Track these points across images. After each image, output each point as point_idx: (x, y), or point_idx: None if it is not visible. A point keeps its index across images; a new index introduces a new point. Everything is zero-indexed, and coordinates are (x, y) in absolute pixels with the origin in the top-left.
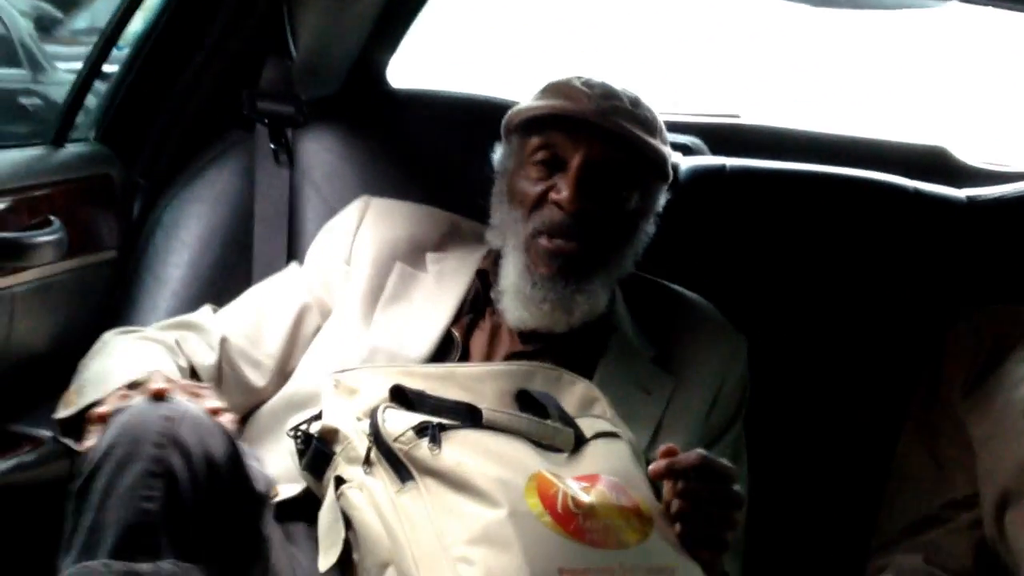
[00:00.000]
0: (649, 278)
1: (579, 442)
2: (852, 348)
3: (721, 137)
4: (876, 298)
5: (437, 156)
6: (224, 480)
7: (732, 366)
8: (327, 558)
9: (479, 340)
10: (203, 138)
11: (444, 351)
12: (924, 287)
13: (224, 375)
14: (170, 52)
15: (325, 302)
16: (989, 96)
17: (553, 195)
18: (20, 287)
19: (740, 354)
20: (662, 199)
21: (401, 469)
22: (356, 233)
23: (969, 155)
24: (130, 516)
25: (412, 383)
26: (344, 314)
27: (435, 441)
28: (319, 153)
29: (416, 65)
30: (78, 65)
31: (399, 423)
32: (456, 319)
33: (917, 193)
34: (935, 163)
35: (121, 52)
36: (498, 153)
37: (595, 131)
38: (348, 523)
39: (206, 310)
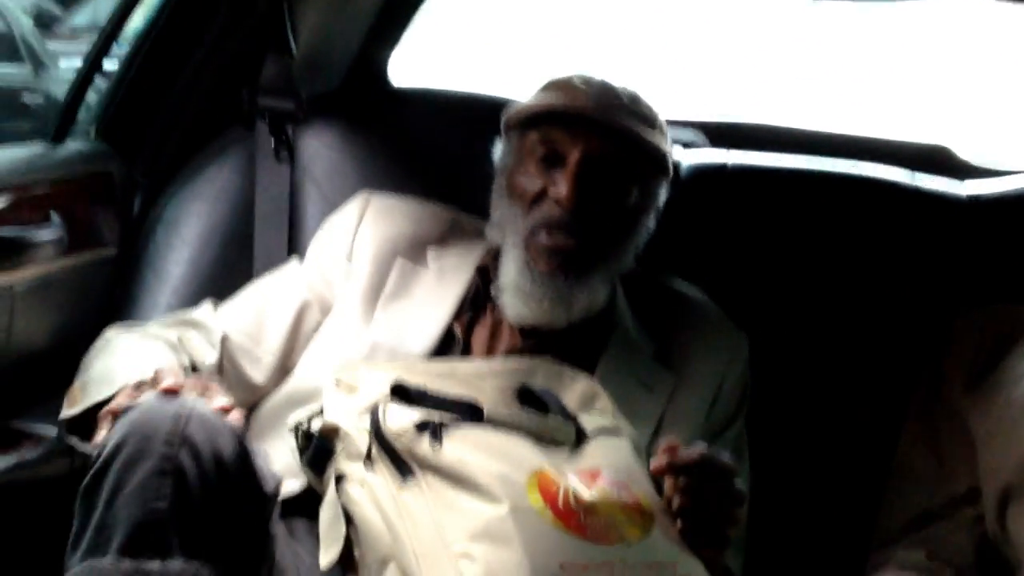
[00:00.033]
0: (650, 274)
1: (580, 438)
2: (854, 345)
3: (720, 135)
4: (878, 295)
5: (438, 153)
6: (233, 479)
7: (733, 363)
8: (328, 554)
9: (480, 336)
10: (203, 135)
11: (445, 347)
12: (925, 284)
13: (225, 372)
14: (170, 49)
15: (326, 298)
16: (992, 95)
17: (552, 191)
18: (20, 284)
19: (741, 351)
20: (663, 194)
21: (402, 465)
22: (357, 229)
23: (971, 154)
24: (139, 514)
25: (413, 379)
26: (345, 311)
27: (436, 437)
28: (320, 150)
29: (417, 63)
30: (79, 62)
31: (400, 419)
32: (457, 315)
33: (918, 191)
34: (937, 162)
35: (121, 49)
36: (498, 150)
37: (593, 127)
38: (349, 519)
39: (207, 307)
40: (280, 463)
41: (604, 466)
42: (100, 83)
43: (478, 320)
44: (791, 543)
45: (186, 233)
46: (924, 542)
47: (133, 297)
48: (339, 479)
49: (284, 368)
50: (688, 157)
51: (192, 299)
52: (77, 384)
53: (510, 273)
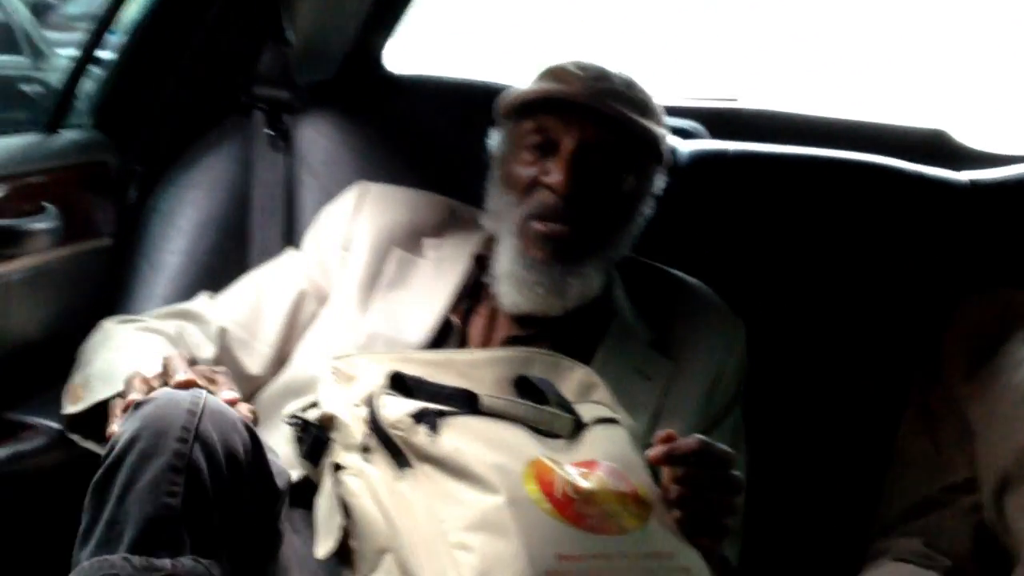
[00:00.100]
0: (648, 262)
1: (578, 428)
2: (853, 332)
3: (720, 121)
4: (878, 282)
5: (435, 141)
6: (245, 475)
7: (731, 351)
8: (325, 545)
9: (477, 326)
10: (199, 124)
11: (442, 337)
12: (926, 271)
13: (221, 364)
14: (166, 38)
15: (322, 288)
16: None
17: (546, 179)
18: (15, 274)
19: (739, 339)
20: (660, 182)
21: (399, 456)
22: (354, 219)
23: (969, 138)
24: (151, 510)
25: (410, 369)
26: (342, 300)
27: (433, 428)
28: (316, 139)
29: (413, 50)
30: (75, 51)
31: (397, 409)
32: (454, 305)
33: (919, 177)
34: (935, 146)
35: (117, 38)
36: (494, 138)
37: (587, 113)
38: (346, 510)
39: (203, 298)
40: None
41: (601, 456)
42: (96, 72)
43: (475, 309)
44: (789, 532)
45: (182, 223)
46: (922, 531)
47: (129, 287)
48: (335, 469)
49: (281, 359)
50: (687, 147)
51: (188, 289)
52: (78, 379)
53: (505, 261)
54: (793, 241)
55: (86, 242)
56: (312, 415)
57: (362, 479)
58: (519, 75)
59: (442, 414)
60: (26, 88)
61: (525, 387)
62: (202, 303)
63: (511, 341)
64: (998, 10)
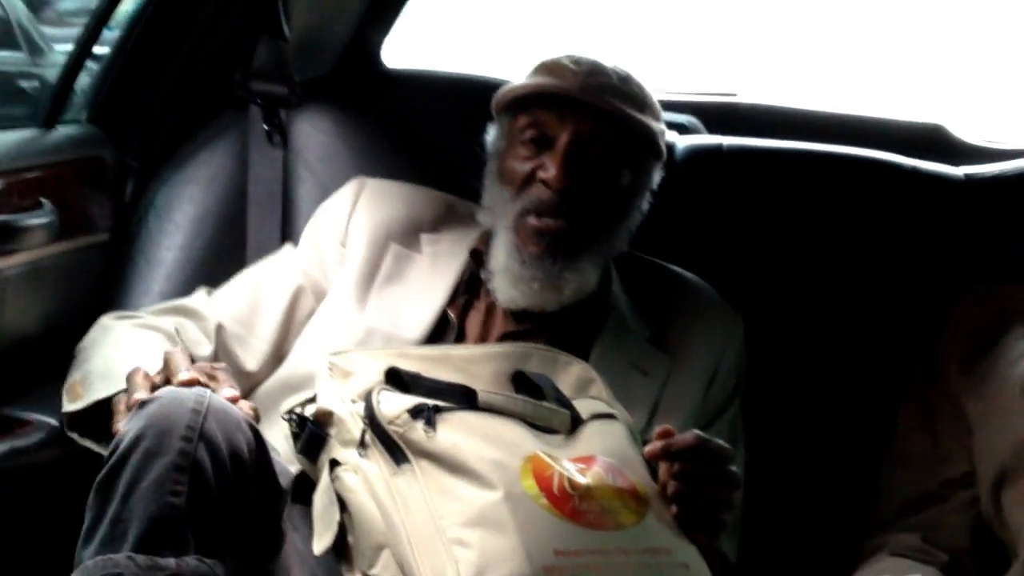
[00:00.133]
0: (645, 258)
1: (575, 423)
2: (850, 327)
3: (717, 116)
4: (874, 277)
5: (432, 136)
6: (249, 474)
7: (729, 346)
8: (322, 541)
9: (474, 321)
10: (196, 119)
11: (440, 333)
12: (922, 266)
13: (219, 360)
14: (162, 33)
15: (320, 284)
16: (986, 72)
17: (541, 174)
18: (11, 270)
19: (737, 334)
20: (656, 176)
21: (396, 452)
22: (351, 214)
23: (966, 132)
24: (155, 509)
25: (407, 365)
26: (339, 296)
27: (430, 423)
28: (313, 134)
29: (410, 45)
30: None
31: (394, 405)
32: (451, 300)
33: (915, 171)
34: (932, 140)
35: (113, 33)
36: (491, 133)
37: (582, 108)
38: (343, 506)
39: (200, 294)
40: None
41: (599, 451)
42: (93, 67)
43: (472, 305)
44: (786, 527)
45: (179, 218)
46: (920, 526)
47: (125, 283)
48: (333, 465)
49: (278, 355)
50: (683, 142)
51: (185, 284)
52: (77, 377)
53: (500, 256)
54: (789, 236)
55: (82, 238)
56: (309, 411)
57: (359, 475)
58: (516, 70)
59: (439, 410)
60: (23, 84)
61: (522, 383)
62: (199, 299)
63: (508, 336)
64: (995, 5)
